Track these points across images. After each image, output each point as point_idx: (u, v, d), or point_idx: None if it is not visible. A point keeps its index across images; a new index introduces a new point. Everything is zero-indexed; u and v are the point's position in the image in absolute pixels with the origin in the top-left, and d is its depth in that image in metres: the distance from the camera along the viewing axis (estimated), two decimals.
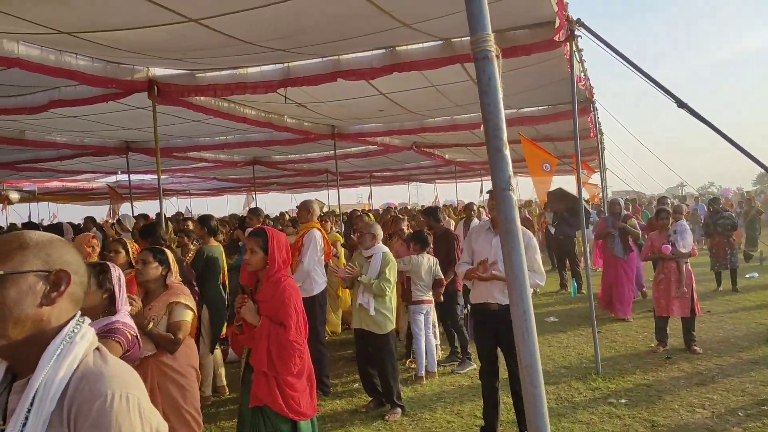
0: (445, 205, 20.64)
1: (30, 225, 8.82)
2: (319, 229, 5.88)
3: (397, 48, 5.21)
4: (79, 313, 1.28)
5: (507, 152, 1.29)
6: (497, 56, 1.28)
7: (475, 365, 6.21)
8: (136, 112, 7.15)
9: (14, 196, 17.42)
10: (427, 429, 4.78)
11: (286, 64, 5.58)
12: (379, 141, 10.96)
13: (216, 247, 5.91)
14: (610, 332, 7.59)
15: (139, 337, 2.76)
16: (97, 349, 1.25)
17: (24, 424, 1.09)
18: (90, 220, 10.57)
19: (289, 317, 3.04)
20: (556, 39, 4.37)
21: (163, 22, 4.03)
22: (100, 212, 20.76)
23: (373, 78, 5.65)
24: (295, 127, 8.63)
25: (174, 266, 3.51)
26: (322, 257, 5.84)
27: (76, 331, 1.22)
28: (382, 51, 5.27)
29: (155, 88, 5.78)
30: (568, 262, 11.04)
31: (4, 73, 5.09)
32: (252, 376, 3.13)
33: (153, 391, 3.23)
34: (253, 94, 5.84)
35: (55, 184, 17.13)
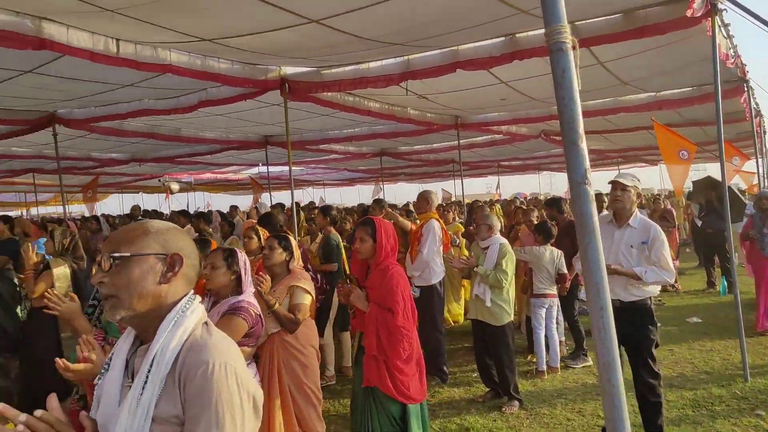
0: None
1: (182, 213, 9.95)
2: (437, 220, 5.96)
3: (517, 35, 5.06)
4: (192, 291, 1.47)
5: (583, 145, 1.24)
6: (574, 47, 1.24)
7: (591, 361, 5.95)
8: (272, 108, 7.72)
9: (175, 186, 19.66)
10: (545, 424, 4.67)
11: (405, 57, 5.68)
12: (505, 130, 10.71)
13: (335, 235, 6.31)
14: (766, 338, 6.81)
15: (262, 315, 3.04)
16: (206, 323, 1.43)
17: (145, 383, 1.30)
18: (234, 209, 11.63)
19: (396, 303, 3.15)
20: (689, 15, 3.97)
21: (288, 25, 4.32)
22: (247, 201, 22.61)
23: (492, 67, 5.55)
24: (418, 118, 8.74)
25: (296, 252, 3.79)
26: (441, 247, 5.91)
27: (187, 306, 1.41)
28: (502, 39, 5.15)
29: (286, 85, 6.19)
30: (717, 257, 10.04)
31: (159, 78, 5.77)
32: (363, 359, 3.29)
33: (279, 366, 3.54)
34: (375, 87, 6.02)
35: (207, 175, 18.92)
